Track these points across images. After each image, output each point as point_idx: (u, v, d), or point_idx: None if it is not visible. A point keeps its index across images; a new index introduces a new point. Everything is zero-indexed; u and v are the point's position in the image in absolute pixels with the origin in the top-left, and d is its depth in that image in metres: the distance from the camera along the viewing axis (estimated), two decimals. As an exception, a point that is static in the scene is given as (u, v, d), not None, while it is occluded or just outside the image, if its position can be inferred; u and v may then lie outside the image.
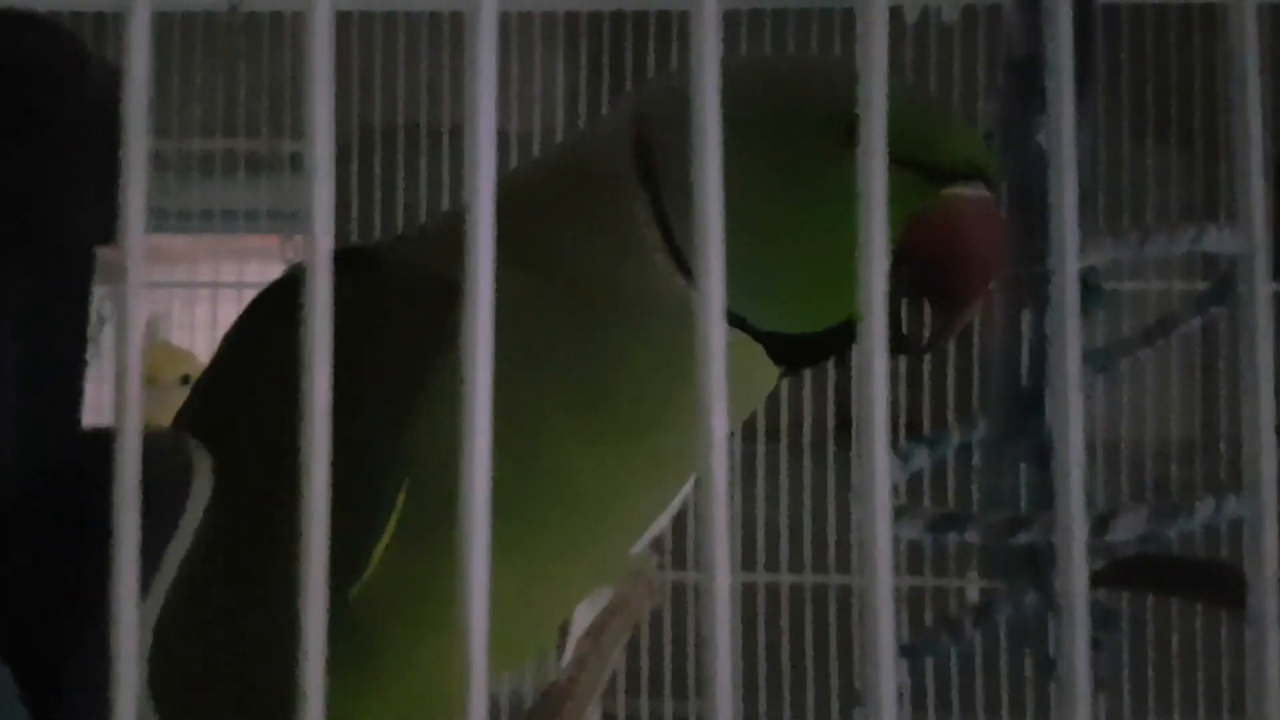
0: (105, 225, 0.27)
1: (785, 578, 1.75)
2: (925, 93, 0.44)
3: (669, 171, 0.38)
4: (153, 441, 0.23)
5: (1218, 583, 1.29)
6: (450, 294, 0.28)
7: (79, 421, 0.25)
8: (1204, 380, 1.82)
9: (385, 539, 0.39)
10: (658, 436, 0.40)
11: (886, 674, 0.25)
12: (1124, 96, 1.71)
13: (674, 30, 1.81)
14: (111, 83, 0.26)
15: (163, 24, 1.74)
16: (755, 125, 0.37)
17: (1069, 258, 0.27)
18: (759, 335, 0.39)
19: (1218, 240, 0.97)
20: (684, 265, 0.39)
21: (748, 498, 1.79)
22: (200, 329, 1.91)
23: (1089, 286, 1.16)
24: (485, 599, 0.21)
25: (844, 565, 1.77)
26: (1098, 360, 1.21)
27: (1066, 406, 0.26)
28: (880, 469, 0.25)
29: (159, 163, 1.77)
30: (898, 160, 0.35)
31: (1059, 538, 0.27)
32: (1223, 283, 1.15)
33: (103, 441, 0.25)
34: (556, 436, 0.40)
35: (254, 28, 1.75)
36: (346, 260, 0.37)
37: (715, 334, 0.24)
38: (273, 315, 0.39)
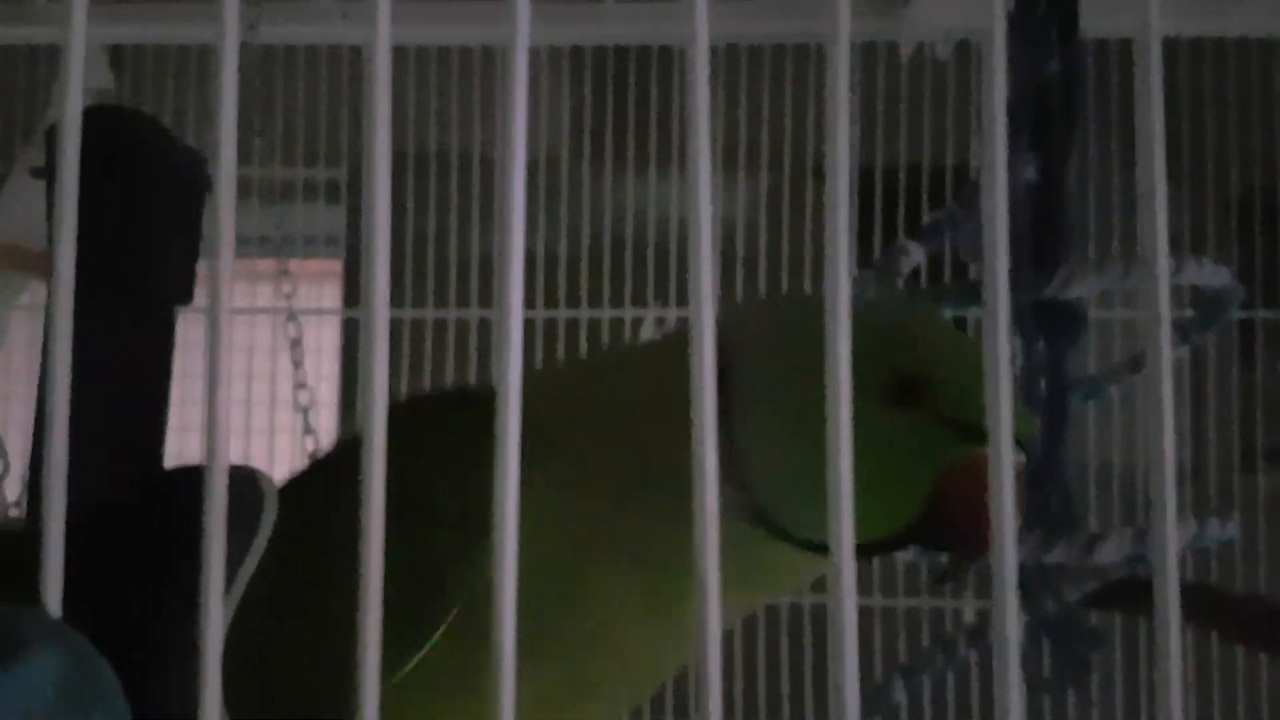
0: (184, 287, 0.31)
1: (785, 598, 1.78)
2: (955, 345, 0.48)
3: (742, 405, 0.42)
4: (231, 473, 0.27)
5: (1207, 605, 1.32)
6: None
7: (162, 455, 0.29)
8: (1194, 406, 1.86)
9: (436, 636, 0.43)
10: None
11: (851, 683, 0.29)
12: (1113, 130, 1.75)
13: (675, 63, 1.86)
14: (193, 164, 0.30)
15: (180, 54, 1.78)
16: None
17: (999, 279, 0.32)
18: (805, 545, 0.44)
19: (1196, 274, 1.01)
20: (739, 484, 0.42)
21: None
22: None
23: (1076, 315, 1.20)
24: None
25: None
26: (1087, 387, 1.24)
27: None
28: (844, 480, 0.29)
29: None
30: (941, 417, 0.42)
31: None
32: (1206, 312, 1.19)
33: (187, 476, 0.29)
34: (622, 609, 0.44)
35: (268, 59, 1.80)
36: (462, 400, 0.45)
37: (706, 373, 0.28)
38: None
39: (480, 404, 0.40)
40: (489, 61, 1.84)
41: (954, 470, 0.42)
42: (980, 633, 1.36)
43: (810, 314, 0.35)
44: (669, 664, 0.49)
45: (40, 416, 0.28)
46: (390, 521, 0.27)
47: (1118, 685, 1.70)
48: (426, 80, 1.84)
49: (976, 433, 0.40)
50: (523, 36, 0.29)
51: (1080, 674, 1.33)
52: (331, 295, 2.22)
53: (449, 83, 1.85)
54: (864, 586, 1.80)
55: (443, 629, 0.42)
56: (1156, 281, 0.30)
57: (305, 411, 1.61)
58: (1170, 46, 1.71)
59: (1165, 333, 0.31)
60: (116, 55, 1.75)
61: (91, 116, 0.28)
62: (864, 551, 0.45)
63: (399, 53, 1.79)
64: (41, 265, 1.29)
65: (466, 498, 0.41)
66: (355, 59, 1.83)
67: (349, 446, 0.48)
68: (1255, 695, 1.73)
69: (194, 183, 0.29)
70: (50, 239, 0.29)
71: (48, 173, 0.29)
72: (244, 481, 0.28)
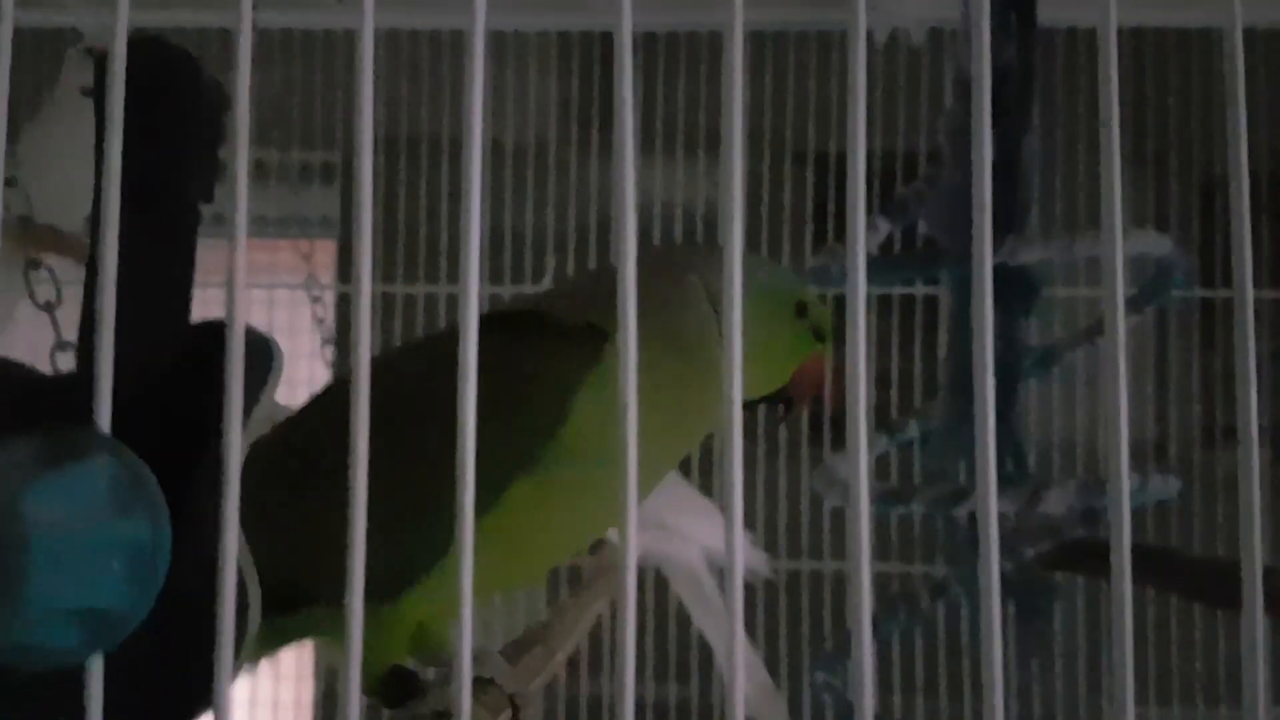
0: (206, 188, 0.38)
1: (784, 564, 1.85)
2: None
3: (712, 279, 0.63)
4: (247, 334, 0.34)
5: (1159, 566, 1.39)
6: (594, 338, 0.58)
7: (189, 315, 0.36)
8: (1157, 384, 1.93)
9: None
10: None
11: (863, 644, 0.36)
12: (1082, 116, 1.82)
13: (659, 50, 1.93)
14: (215, 85, 0.37)
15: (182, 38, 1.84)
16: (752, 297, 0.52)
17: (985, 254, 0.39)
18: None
19: (1141, 242, 1.08)
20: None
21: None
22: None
23: (1029, 286, 1.27)
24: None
25: (815, 552, 1.87)
26: (1041, 355, 1.32)
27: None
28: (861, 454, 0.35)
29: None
30: (813, 326, 0.66)
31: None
32: (1151, 284, 1.26)
33: (209, 331, 0.36)
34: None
35: (265, 42, 1.86)
36: (504, 320, 0.60)
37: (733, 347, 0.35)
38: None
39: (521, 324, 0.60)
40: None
41: (809, 358, 0.66)
42: (942, 589, 1.43)
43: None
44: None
45: (90, 285, 0.35)
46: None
47: (1080, 651, 1.77)
48: (419, 65, 1.91)
49: (821, 335, 0.66)
50: (479, 23, 0.36)
51: (1040, 625, 1.40)
52: (326, 276, 2.29)
53: (441, 67, 1.92)
54: (838, 552, 1.87)
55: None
56: (1111, 240, 0.37)
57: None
58: (1135, 36, 1.78)
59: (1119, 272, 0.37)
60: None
61: (132, 45, 0.34)
62: (750, 406, 0.65)
63: (392, 38, 1.86)
64: (77, 249, 1.35)
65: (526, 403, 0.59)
66: (349, 43, 1.89)
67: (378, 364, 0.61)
68: (1213, 654, 1.80)
69: (215, 101, 0.36)
70: (98, 158, 0.36)
71: (96, 91, 0.36)
72: (255, 338, 0.34)
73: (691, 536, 1.33)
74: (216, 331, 0.32)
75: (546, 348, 0.61)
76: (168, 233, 0.36)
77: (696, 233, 2.00)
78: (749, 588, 1.50)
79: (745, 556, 1.45)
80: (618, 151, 0.36)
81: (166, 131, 0.36)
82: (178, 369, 0.35)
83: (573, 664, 1.73)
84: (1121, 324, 0.40)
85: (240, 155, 0.34)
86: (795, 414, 0.67)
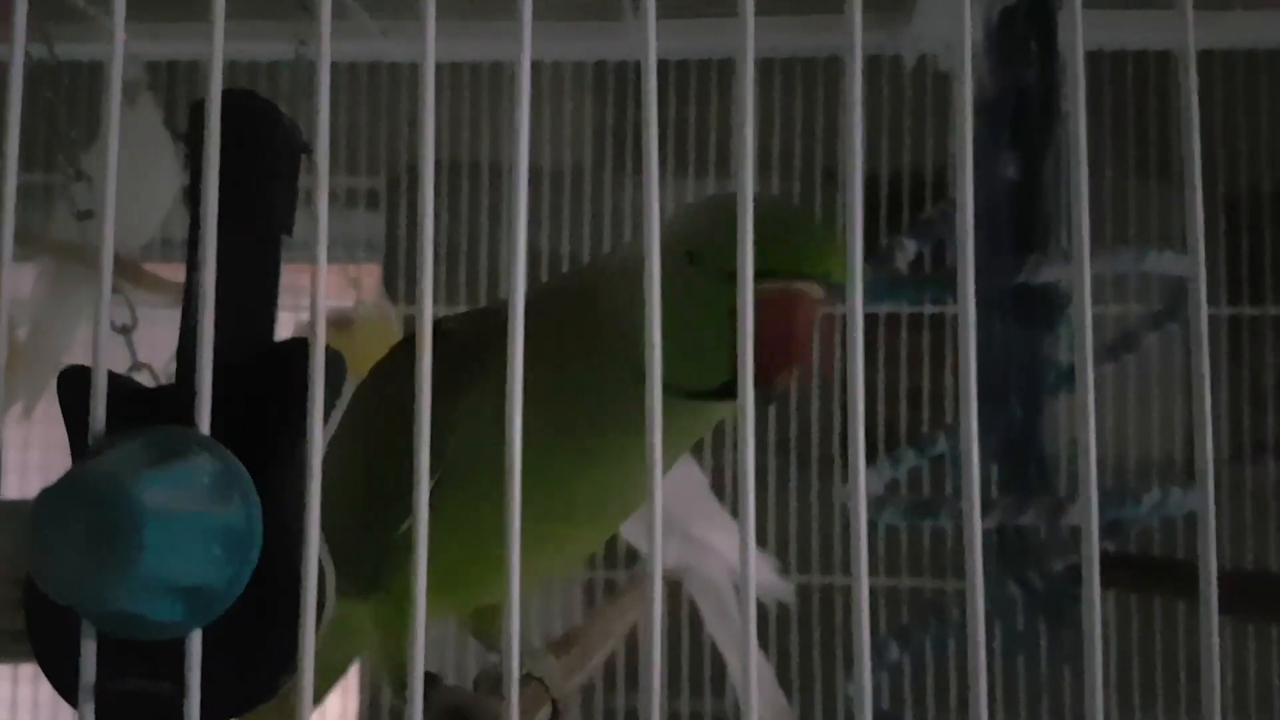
0: (288, 219, 0.43)
1: (794, 577, 1.89)
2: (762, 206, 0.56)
3: (616, 298, 0.57)
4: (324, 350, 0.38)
5: (1178, 576, 1.41)
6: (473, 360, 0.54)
7: (274, 332, 0.41)
8: (1185, 401, 1.95)
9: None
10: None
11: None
12: (1107, 136, 1.85)
13: (691, 76, 1.98)
14: (293, 130, 0.42)
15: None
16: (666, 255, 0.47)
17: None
18: (688, 395, 0.55)
19: (1157, 262, 1.11)
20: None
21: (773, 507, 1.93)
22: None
23: (1053, 303, 1.30)
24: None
25: (829, 567, 1.90)
26: (1066, 369, 1.34)
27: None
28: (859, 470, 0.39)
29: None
30: (722, 271, 0.50)
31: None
32: (1174, 302, 1.29)
33: (290, 346, 0.41)
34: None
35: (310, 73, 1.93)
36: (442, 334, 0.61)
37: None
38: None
39: (451, 335, 0.57)
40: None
41: (769, 310, 0.49)
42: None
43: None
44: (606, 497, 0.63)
45: (188, 305, 0.40)
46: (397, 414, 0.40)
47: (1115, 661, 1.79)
48: (461, 93, 1.97)
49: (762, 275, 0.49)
50: (526, 54, 0.41)
51: (1070, 636, 1.42)
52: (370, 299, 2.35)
53: (481, 96, 1.98)
54: (869, 568, 1.89)
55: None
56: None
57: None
58: (1162, 58, 1.81)
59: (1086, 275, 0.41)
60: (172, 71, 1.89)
61: (225, 97, 0.39)
62: (720, 394, 0.54)
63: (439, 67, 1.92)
64: (131, 270, 1.42)
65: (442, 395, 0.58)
66: (393, 74, 1.96)
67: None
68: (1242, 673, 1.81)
69: (294, 145, 0.41)
70: (193, 194, 0.41)
71: (193, 138, 0.41)
72: (328, 353, 0.39)
73: (717, 551, 1.36)
74: (297, 347, 0.37)
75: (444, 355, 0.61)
76: (255, 262, 0.42)
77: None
78: (766, 607, 1.53)
79: (767, 580, 1.48)
80: (647, 171, 0.40)
81: (253, 172, 0.41)
82: (264, 379, 0.40)
83: (609, 674, 1.78)
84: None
85: (322, 188, 0.39)
86: (780, 387, 0.52)
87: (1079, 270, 0.44)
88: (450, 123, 1.98)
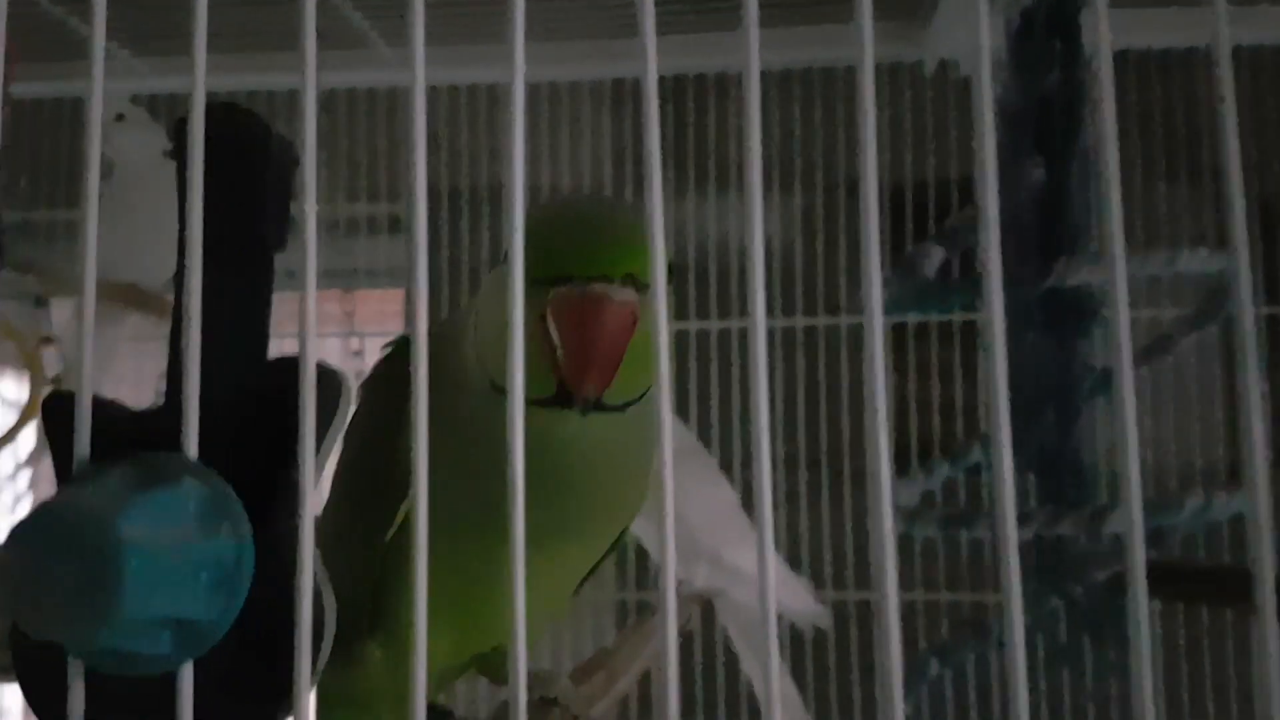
0: (280, 237, 0.42)
1: (830, 594, 1.86)
2: (558, 212, 0.54)
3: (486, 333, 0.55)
4: (320, 368, 0.37)
5: (1225, 584, 1.37)
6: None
7: (266, 351, 0.40)
8: (1226, 407, 1.90)
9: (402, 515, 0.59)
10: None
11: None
12: (1134, 138, 1.82)
13: (710, 92, 1.97)
14: (285, 145, 0.40)
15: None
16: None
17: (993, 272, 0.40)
18: (535, 404, 0.50)
19: (1190, 261, 1.08)
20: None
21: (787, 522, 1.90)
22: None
23: (1085, 308, 1.27)
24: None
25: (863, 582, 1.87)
26: (1099, 380, 1.31)
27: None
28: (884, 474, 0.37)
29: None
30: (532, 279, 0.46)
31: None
32: (1210, 302, 1.26)
33: (285, 366, 0.39)
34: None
35: (331, 101, 1.93)
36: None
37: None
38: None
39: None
40: (540, 99, 1.96)
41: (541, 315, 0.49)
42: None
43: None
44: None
45: (176, 326, 0.38)
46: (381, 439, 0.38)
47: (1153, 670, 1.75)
48: (457, 118, 1.96)
49: (551, 281, 0.49)
50: (519, 75, 0.39)
51: (1113, 647, 1.38)
52: (395, 326, 2.35)
53: (477, 121, 1.97)
54: (906, 582, 1.87)
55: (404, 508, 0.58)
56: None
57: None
58: (1188, 58, 1.78)
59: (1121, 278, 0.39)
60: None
61: (209, 111, 0.38)
62: (561, 402, 0.51)
63: (433, 95, 1.92)
64: (156, 304, 1.43)
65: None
66: (391, 99, 1.96)
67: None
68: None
69: (285, 160, 0.40)
70: (180, 212, 0.39)
71: (178, 154, 0.40)
72: (326, 372, 0.38)
73: (747, 575, 1.33)
74: (291, 366, 0.36)
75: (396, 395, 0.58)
76: (246, 280, 0.40)
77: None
78: (800, 630, 1.50)
79: (802, 604, 1.45)
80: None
81: (243, 188, 0.40)
82: (257, 400, 0.38)
83: (644, 695, 1.75)
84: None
85: (310, 207, 0.37)
86: (591, 394, 0.50)
87: (1115, 272, 0.42)
88: (468, 146, 1.97)
